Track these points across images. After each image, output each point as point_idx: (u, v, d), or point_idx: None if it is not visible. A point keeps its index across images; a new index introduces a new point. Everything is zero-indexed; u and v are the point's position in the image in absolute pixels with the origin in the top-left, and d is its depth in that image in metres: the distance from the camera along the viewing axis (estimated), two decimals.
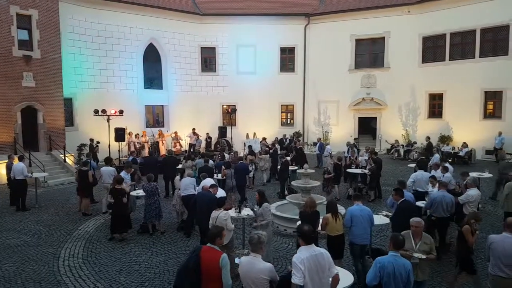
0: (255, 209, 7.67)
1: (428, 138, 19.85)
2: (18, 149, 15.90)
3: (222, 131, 21.50)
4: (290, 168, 14.30)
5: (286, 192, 12.75)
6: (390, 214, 7.58)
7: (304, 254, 4.16)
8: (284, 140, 21.32)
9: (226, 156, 15.83)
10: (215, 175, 12.45)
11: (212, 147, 22.69)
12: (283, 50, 25.01)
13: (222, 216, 6.74)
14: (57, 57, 17.75)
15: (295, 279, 4.06)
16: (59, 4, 17.76)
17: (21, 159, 12.50)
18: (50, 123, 17.52)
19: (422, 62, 22.12)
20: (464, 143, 18.86)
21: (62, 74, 18.02)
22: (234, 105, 23.96)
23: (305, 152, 20.28)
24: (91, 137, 19.30)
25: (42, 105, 17.19)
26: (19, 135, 16.52)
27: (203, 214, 7.61)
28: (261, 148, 18.54)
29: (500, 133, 18.54)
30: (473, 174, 11.21)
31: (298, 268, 4.07)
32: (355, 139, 20.76)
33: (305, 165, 11.33)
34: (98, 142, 18.74)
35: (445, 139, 20.66)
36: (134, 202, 10.94)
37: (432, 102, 22.23)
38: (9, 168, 12.60)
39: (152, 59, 23.31)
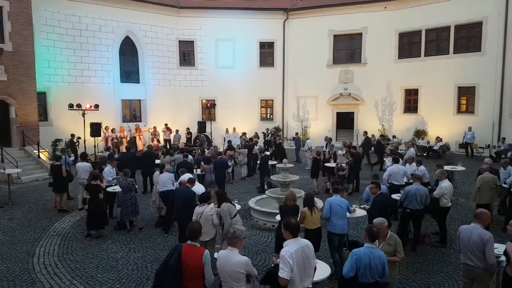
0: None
1: (365, 132, 19.42)
2: None
3: (202, 126, 21.37)
4: (270, 162, 14.39)
5: (265, 187, 12.81)
6: (367, 206, 7.74)
7: (293, 248, 4.15)
8: (266, 135, 21.34)
9: (206, 151, 15.78)
10: (194, 170, 12.39)
11: (192, 142, 22.55)
12: (262, 45, 24.98)
13: (207, 212, 6.66)
14: (30, 50, 17.20)
15: (283, 274, 4.02)
16: None
17: None
18: (23, 118, 17.00)
19: (398, 58, 22.52)
20: (438, 137, 19.38)
21: (35, 67, 17.49)
22: (214, 100, 23.83)
23: (285, 146, 20.43)
24: (65, 132, 18.82)
25: (14, 99, 16.65)
26: None
27: (182, 210, 7.57)
28: (240, 142, 18.55)
29: (470, 128, 19.09)
30: (446, 168, 11.57)
31: (286, 262, 4.03)
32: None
33: (284, 160, 11.40)
34: (79, 138, 18.16)
35: (420, 133, 21.17)
36: (121, 197, 10.72)
37: (407, 97, 22.69)
38: None
39: (128, 52, 22.85)
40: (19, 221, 10.27)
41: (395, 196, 8.97)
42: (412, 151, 14.50)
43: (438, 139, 19.30)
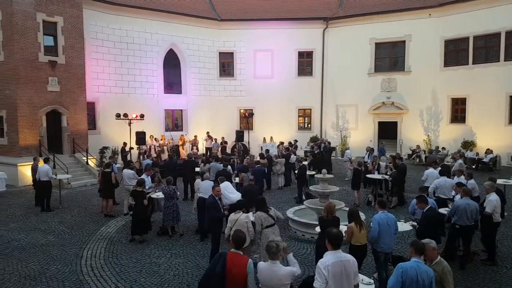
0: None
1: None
2: (43, 152, 16.30)
3: (239, 135, 21.56)
4: (308, 172, 14.21)
5: (303, 197, 12.67)
6: (415, 224, 7.42)
7: (330, 260, 4.12)
8: (292, 145, 20.31)
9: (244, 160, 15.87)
10: (233, 179, 12.48)
11: (229, 151, 22.79)
12: (300, 54, 24.96)
13: (242, 219, 6.69)
14: (81, 63, 18.19)
15: (316, 284, 4.08)
16: (83, 11, 18.24)
17: (46, 161, 12.85)
18: (74, 127, 17.94)
19: (444, 66, 21.71)
20: (488, 149, 18.39)
21: (85, 79, 18.47)
22: (251, 109, 24.02)
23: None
24: (112, 140, 19.75)
25: (66, 109, 17.61)
26: (44, 138, 16.93)
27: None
28: (277, 152, 18.49)
29: None
30: (498, 181, 10.90)
31: (321, 273, 4.06)
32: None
33: (323, 170, 11.22)
34: (131, 148, 18.49)
35: (468, 144, 20.19)
36: (160, 203, 10.98)
37: (454, 107, 21.76)
38: (34, 170, 12.92)
39: (172, 64, 23.64)
40: (68, 224, 10.78)
41: (442, 210, 8.56)
42: (459, 162, 13.79)
43: (488, 151, 18.30)
